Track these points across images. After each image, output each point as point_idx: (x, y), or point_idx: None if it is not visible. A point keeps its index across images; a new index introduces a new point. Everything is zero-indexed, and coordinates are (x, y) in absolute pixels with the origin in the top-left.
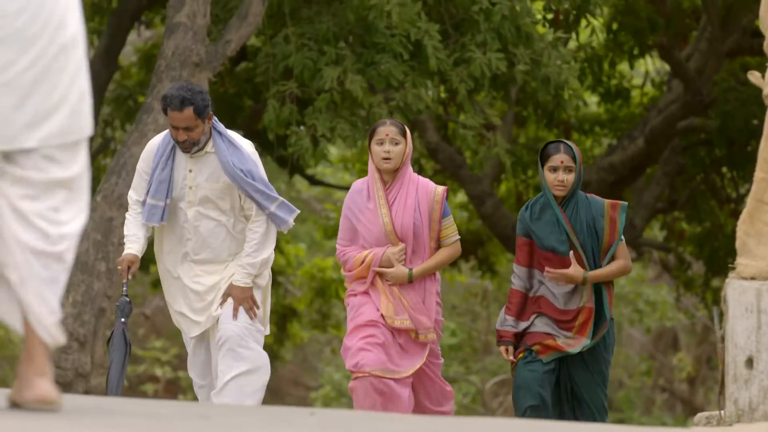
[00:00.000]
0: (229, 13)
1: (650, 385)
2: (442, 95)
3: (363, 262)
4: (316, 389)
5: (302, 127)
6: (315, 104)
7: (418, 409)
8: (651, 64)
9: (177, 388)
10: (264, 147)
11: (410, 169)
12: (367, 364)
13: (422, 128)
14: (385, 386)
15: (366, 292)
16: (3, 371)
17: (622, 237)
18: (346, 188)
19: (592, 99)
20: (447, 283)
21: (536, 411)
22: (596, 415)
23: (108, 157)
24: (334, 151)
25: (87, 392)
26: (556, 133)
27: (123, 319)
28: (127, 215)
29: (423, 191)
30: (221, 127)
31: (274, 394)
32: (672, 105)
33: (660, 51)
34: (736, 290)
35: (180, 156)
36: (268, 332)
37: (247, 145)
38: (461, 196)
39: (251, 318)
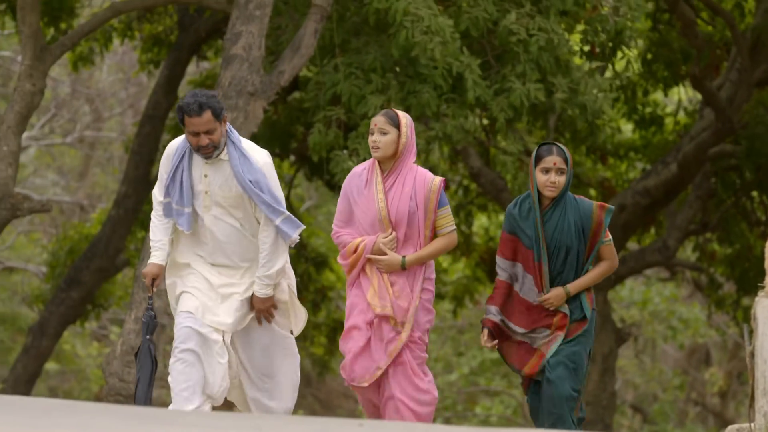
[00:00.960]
0: (280, 46)
1: (683, 398)
2: (485, 122)
3: (356, 250)
4: None
5: (345, 151)
6: (358, 129)
7: (389, 398)
8: (684, 93)
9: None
10: (314, 172)
11: (411, 159)
12: (356, 379)
13: (465, 154)
14: (372, 389)
15: (359, 285)
16: (70, 384)
17: (610, 238)
18: None
19: (628, 126)
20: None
21: None
22: (557, 401)
23: None
24: None
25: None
26: (593, 158)
27: (148, 336)
28: (152, 217)
29: (420, 181)
30: (235, 136)
31: (325, 406)
32: (704, 132)
33: (692, 81)
34: (765, 308)
35: (196, 160)
36: (305, 320)
37: (259, 156)
38: (502, 217)
39: (269, 321)
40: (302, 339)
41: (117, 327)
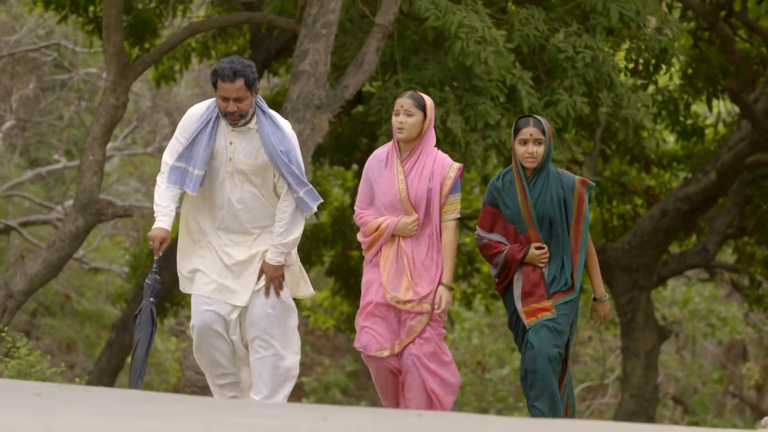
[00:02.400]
0: (344, 62)
1: (722, 391)
2: None
3: (377, 228)
4: None
5: None
6: None
7: (412, 369)
8: (722, 106)
9: (302, 393)
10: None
11: (431, 142)
12: (367, 347)
13: None
14: (389, 362)
15: (376, 264)
16: (150, 377)
17: (587, 216)
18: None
19: (671, 137)
20: None
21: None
22: (538, 356)
23: None
24: None
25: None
26: (638, 168)
27: (152, 299)
28: (159, 181)
29: (439, 164)
30: (265, 105)
31: None
32: (741, 143)
33: (730, 94)
34: None
35: (222, 128)
36: (312, 292)
37: (287, 126)
38: None
39: (278, 295)
40: None
41: None
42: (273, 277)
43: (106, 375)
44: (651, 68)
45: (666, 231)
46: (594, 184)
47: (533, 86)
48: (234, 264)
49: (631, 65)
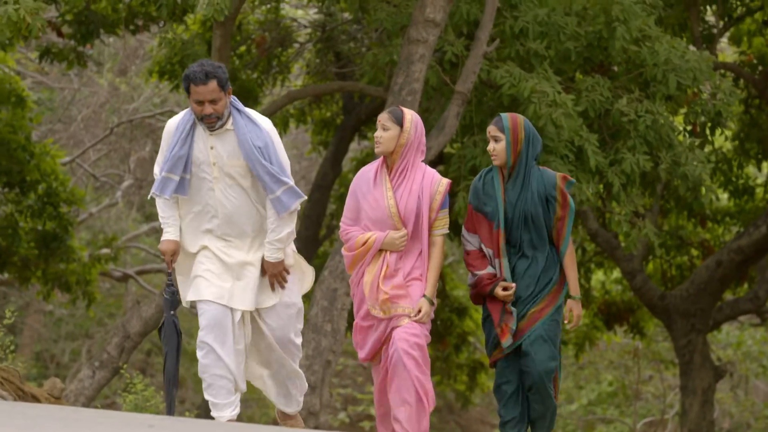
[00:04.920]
0: (428, 126)
1: None
2: (600, 189)
3: (365, 243)
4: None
5: None
6: None
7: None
8: None
9: None
10: (457, 232)
11: (417, 157)
12: (366, 358)
13: (584, 217)
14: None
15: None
16: (252, 410)
17: (572, 210)
18: None
19: (724, 195)
20: (605, 342)
21: (513, 397)
22: (539, 371)
23: (333, 241)
24: None
25: (316, 427)
26: (694, 222)
27: (172, 312)
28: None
29: (428, 180)
30: (239, 104)
31: (465, 431)
32: None
33: None
34: None
35: (200, 134)
36: (312, 279)
37: (264, 122)
38: (617, 273)
39: (282, 287)
40: (446, 377)
41: None
42: (274, 274)
43: None
44: (707, 130)
45: (720, 280)
46: (574, 180)
47: (599, 146)
48: (235, 264)
49: (689, 127)
